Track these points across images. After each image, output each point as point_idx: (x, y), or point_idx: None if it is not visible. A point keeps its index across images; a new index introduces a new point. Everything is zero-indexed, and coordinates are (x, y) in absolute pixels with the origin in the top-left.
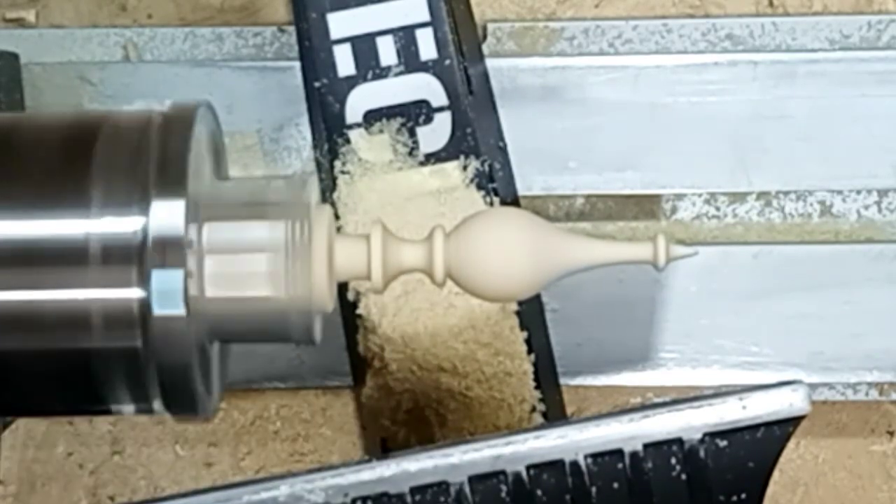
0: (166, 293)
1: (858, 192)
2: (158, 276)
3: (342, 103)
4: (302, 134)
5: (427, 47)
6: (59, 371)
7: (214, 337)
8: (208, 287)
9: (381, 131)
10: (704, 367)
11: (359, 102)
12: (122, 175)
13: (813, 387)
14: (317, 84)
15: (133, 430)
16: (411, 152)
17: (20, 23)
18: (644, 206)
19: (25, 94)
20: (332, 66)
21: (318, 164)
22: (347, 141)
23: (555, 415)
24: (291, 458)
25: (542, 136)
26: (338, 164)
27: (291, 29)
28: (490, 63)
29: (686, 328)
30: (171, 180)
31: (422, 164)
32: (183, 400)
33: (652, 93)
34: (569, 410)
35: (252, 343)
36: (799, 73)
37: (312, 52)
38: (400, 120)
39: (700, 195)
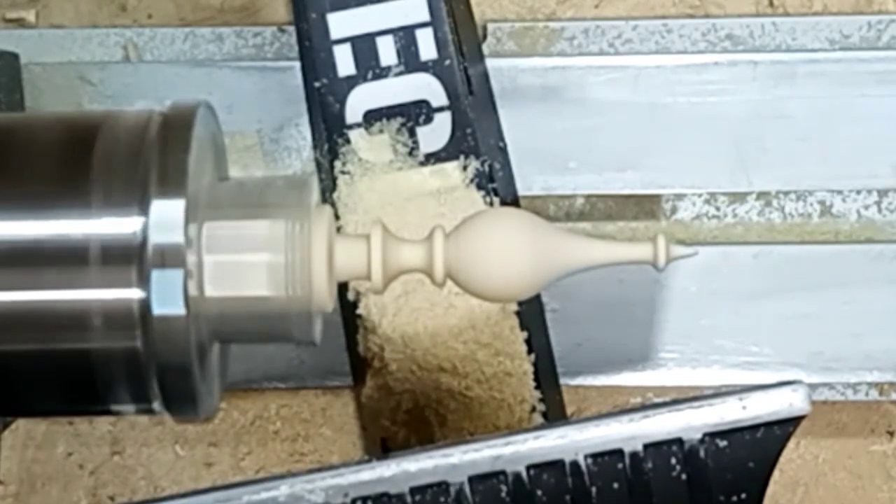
0: (166, 293)
1: (858, 192)
2: (158, 276)
3: (342, 103)
4: (302, 134)
5: (427, 47)
6: (59, 371)
7: (214, 337)
8: (208, 287)
9: (381, 131)
10: (704, 367)
11: (359, 102)
12: (122, 175)
13: (813, 387)
14: (317, 84)
15: (133, 430)
16: (411, 152)
17: (20, 23)
18: (644, 206)
19: (25, 94)
20: (332, 66)
21: (318, 164)
22: (347, 141)
23: (555, 415)
24: (291, 458)
25: (542, 136)
26: (338, 164)
27: (291, 29)
28: (490, 63)
29: (686, 328)
30: (171, 180)
31: (422, 164)
32: (183, 400)
33: (652, 93)
34: (569, 410)
35: (252, 343)
36: (799, 73)
37: (312, 52)
38: (400, 120)
39: (700, 195)
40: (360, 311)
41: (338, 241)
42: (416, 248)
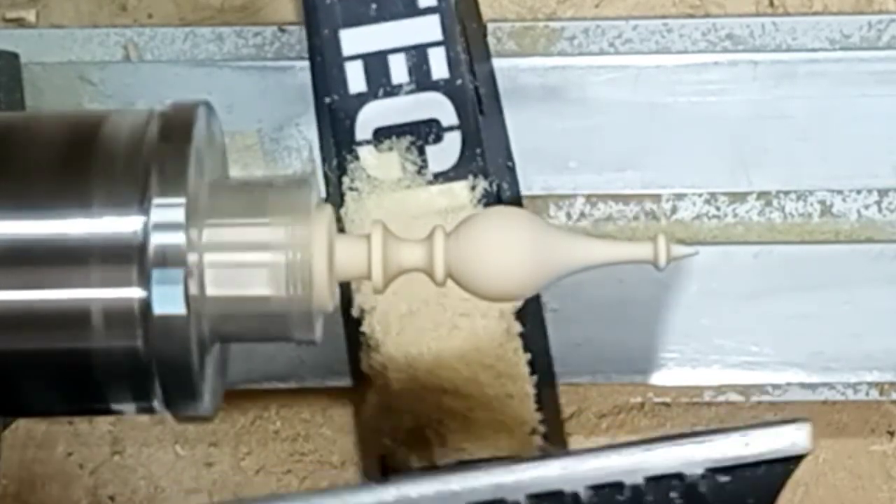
0: (167, 293)
1: (858, 192)
2: (159, 276)
3: (352, 120)
4: (302, 134)
5: (439, 66)
6: (59, 371)
7: (215, 336)
8: (209, 286)
9: (390, 149)
10: (704, 367)
11: (369, 119)
12: (122, 174)
13: (813, 387)
14: (327, 100)
15: (133, 430)
16: (420, 171)
17: (20, 23)
18: (644, 206)
19: (25, 94)
20: (344, 82)
21: (327, 179)
22: (356, 157)
23: (555, 438)
24: (291, 458)
25: (542, 136)
26: (346, 180)
27: (292, 29)
28: (490, 63)
29: (686, 328)
30: (172, 180)
31: (430, 182)
32: (183, 400)
33: (652, 93)
34: (569, 410)
35: (252, 342)
36: (799, 73)
37: (324, 67)
38: (409, 138)
39: (700, 195)
40: (363, 328)
41: (338, 240)
42: (417, 247)
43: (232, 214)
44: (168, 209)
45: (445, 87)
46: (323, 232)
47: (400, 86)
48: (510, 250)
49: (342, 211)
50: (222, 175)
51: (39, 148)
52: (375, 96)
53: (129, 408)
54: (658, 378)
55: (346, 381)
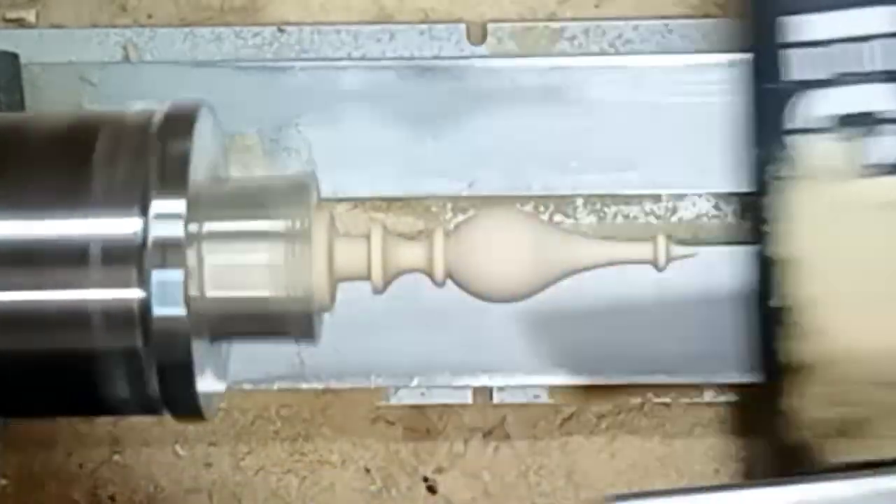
0: (166, 293)
1: None
2: (158, 276)
3: (797, 106)
4: (302, 134)
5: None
6: (59, 371)
7: (215, 336)
8: (208, 287)
9: (836, 138)
10: (704, 368)
11: (816, 107)
12: (122, 175)
13: None
14: (768, 85)
15: (133, 430)
16: (866, 162)
17: (20, 23)
18: (644, 206)
19: (25, 94)
20: (782, 69)
21: (760, 167)
22: (795, 145)
23: None
24: (291, 458)
25: (542, 136)
26: (783, 168)
27: (291, 29)
28: (490, 63)
29: (686, 328)
30: (172, 180)
31: (875, 175)
32: (183, 400)
33: (652, 93)
34: (568, 411)
35: (253, 342)
36: None
37: (762, 53)
38: (857, 128)
39: (700, 195)
40: (802, 318)
41: (338, 241)
42: (417, 247)
43: (232, 215)
44: (168, 210)
45: None
46: (322, 232)
47: (862, 74)
48: (510, 250)
49: (779, 200)
50: (222, 175)
51: (40, 148)
52: (830, 84)
53: (129, 408)
54: (658, 378)
55: (346, 382)
